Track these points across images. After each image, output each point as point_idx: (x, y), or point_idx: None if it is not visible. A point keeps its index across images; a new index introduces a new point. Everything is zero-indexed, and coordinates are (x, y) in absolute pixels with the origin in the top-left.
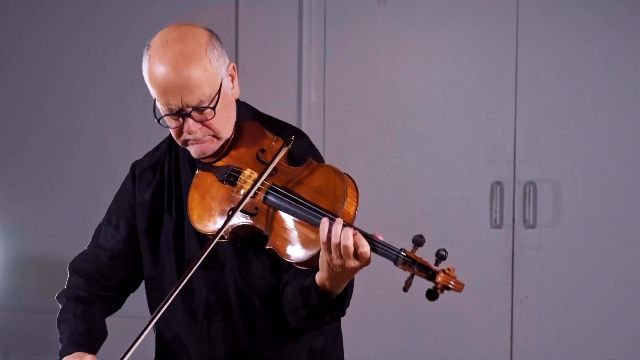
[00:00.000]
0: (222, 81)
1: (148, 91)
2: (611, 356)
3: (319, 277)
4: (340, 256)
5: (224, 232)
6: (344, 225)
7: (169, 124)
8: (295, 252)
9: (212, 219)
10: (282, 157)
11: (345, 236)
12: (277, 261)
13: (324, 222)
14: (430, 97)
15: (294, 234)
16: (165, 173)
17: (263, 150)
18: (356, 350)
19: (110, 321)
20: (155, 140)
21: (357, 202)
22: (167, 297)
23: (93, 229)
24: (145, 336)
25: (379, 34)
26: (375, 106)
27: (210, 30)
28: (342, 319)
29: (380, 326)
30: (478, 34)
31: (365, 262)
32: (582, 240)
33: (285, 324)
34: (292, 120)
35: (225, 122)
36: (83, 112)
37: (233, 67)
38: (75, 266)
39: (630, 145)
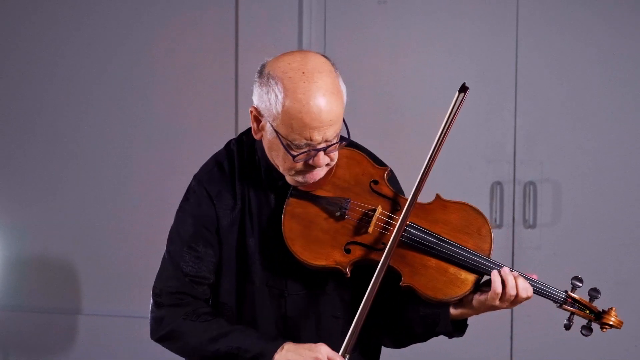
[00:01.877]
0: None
1: (148, 91)
2: (611, 356)
3: (461, 311)
4: (510, 302)
5: (346, 266)
6: (512, 274)
7: (299, 158)
8: (443, 291)
9: (322, 252)
10: (391, 189)
11: (523, 287)
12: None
13: (496, 275)
14: (430, 97)
15: (438, 272)
16: (246, 198)
17: (376, 182)
18: None
19: (110, 321)
20: (155, 140)
21: (492, 238)
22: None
23: (93, 229)
24: None
25: (379, 34)
26: (375, 106)
27: (326, 57)
28: None
29: None
30: (478, 34)
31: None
32: (582, 240)
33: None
34: None
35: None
36: (83, 112)
37: None
38: (176, 297)
39: (630, 145)
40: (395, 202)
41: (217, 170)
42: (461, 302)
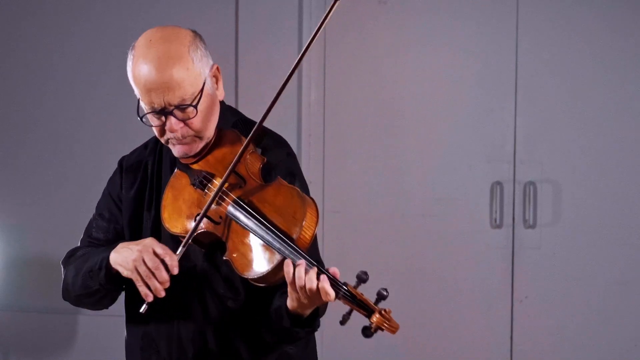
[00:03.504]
0: (205, 81)
1: None
2: (611, 356)
3: (289, 303)
4: (306, 295)
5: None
6: (307, 266)
7: (151, 123)
8: (248, 268)
9: (180, 221)
10: (255, 172)
11: (309, 279)
12: None
13: (288, 264)
14: (430, 97)
15: (249, 251)
16: (149, 171)
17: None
18: (356, 349)
19: (110, 321)
20: None
21: (314, 229)
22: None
23: None
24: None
25: (379, 34)
26: (375, 106)
27: (194, 32)
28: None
29: None
30: (478, 34)
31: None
32: (582, 240)
33: (255, 331)
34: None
35: (207, 122)
36: (82, 112)
37: (217, 68)
38: (70, 260)
39: (630, 145)
40: (245, 182)
41: (141, 149)
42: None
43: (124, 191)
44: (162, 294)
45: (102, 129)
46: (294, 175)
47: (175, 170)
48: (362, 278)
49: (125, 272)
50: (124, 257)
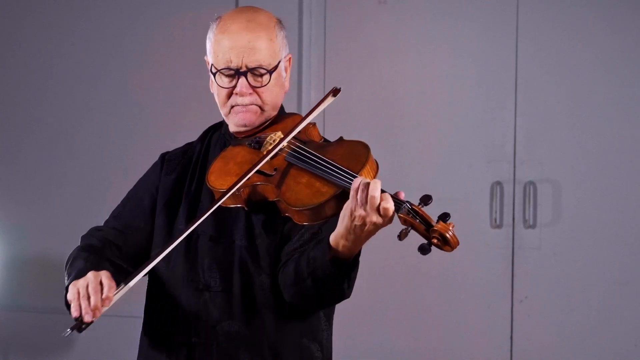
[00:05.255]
0: (280, 61)
1: (148, 92)
2: (611, 356)
3: (335, 234)
4: (364, 208)
5: (239, 189)
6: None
7: (221, 83)
8: (301, 201)
9: (227, 179)
10: (317, 135)
11: (374, 187)
12: (284, 242)
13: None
14: (430, 97)
15: (304, 188)
16: (194, 157)
17: (299, 132)
18: (355, 349)
19: (110, 321)
20: (155, 140)
21: (374, 176)
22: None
23: None
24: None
25: (379, 34)
26: (375, 106)
27: (278, 18)
28: (344, 318)
29: (380, 326)
30: (478, 34)
31: (387, 220)
32: (582, 240)
33: (281, 306)
34: None
35: (273, 97)
36: (83, 112)
37: (289, 59)
38: (89, 233)
39: (630, 145)
40: (305, 144)
41: (185, 145)
42: (335, 226)
43: (164, 174)
44: (88, 318)
45: (103, 129)
46: None
47: (228, 146)
48: (425, 199)
49: (69, 295)
50: (78, 280)
